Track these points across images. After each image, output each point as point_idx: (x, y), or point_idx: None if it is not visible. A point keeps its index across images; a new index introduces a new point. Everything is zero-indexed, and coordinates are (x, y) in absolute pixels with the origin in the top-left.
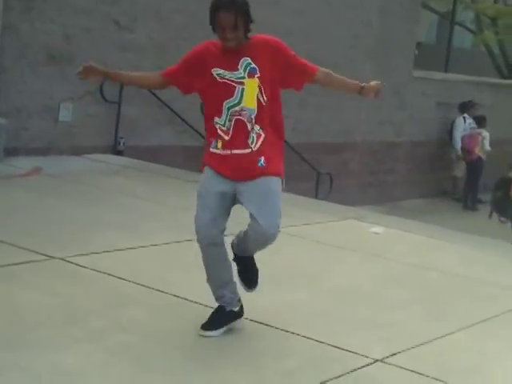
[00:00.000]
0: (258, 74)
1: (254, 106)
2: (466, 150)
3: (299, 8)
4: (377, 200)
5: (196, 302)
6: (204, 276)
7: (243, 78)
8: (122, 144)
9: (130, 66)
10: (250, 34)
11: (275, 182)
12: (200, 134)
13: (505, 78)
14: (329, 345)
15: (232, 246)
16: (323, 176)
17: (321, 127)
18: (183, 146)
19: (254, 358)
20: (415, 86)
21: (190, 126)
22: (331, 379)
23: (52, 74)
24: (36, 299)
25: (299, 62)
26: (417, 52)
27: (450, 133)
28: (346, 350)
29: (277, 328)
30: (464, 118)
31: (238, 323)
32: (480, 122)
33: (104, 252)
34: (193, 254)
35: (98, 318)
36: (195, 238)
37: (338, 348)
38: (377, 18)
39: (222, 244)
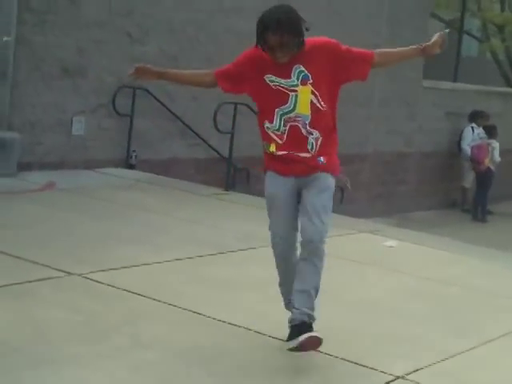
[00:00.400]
0: (311, 81)
1: (307, 112)
2: (476, 161)
3: (310, 20)
4: (386, 212)
5: (214, 318)
6: (220, 293)
7: (297, 85)
8: (134, 157)
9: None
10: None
11: (333, 182)
12: (211, 147)
13: (511, 86)
14: (349, 361)
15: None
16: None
17: None
18: (195, 159)
19: (276, 375)
20: (425, 96)
21: (202, 139)
22: None
23: (65, 87)
24: (57, 316)
25: (355, 53)
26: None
27: (459, 143)
28: (367, 367)
29: None
30: (472, 127)
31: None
32: (490, 132)
33: (122, 268)
34: (212, 268)
35: (120, 334)
36: (210, 252)
37: (359, 364)
38: (386, 28)
39: (294, 248)
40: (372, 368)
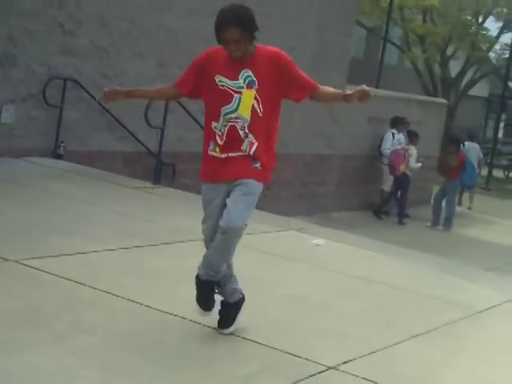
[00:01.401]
0: (257, 87)
1: (248, 115)
2: (392, 166)
3: None
4: (307, 211)
5: (150, 307)
6: (157, 282)
7: (242, 87)
8: (62, 148)
9: (71, 70)
10: (255, 44)
11: (260, 187)
12: (139, 141)
13: (430, 94)
14: (284, 351)
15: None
16: None
17: None
18: (122, 152)
19: (214, 363)
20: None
21: (130, 132)
22: None
23: None
24: None
25: (302, 79)
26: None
27: (380, 147)
28: (301, 357)
29: (232, 334)
30: (393, 133)
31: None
32: (411, 137)
33: (58, 256)
34: (143, 260)
35: (60, 321)
36: (142, 244)
37: (293, 355)
38: (313, 32)
39: None
40: (305, 358)
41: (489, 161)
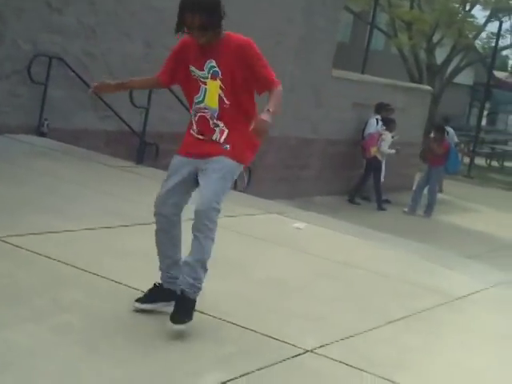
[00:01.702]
0: (221, 77)
1: (215, 105)
2: (363, 148)
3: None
4: (289, 195)
5: (130, 287)
6: (137, 262)
7: (207, 78)
8: (45, 126)
9: (58, 48)
10: (223, 31)
11: (233, 166)
12: (122, 120)
13: (415, 81)
14: (262, 334)
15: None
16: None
17: None
18: (105, 131)
19: (191, 343)
20: (333, 85)
21: (114, 111)
22: (266, 367)
23: None
24: None
25: (264, 72)
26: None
27: (363, 132)
28: (279, 340)
29: (211, 315)
30: (377, 119)
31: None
32: (387, 124)
33: (39, 234)
34: (125, 239)
35: (40, 298)
36: (125, 223)
37: (271, 337)
38: (300, 16)
39: (175, 221)
40: (283, 341)
41: (471, 148)
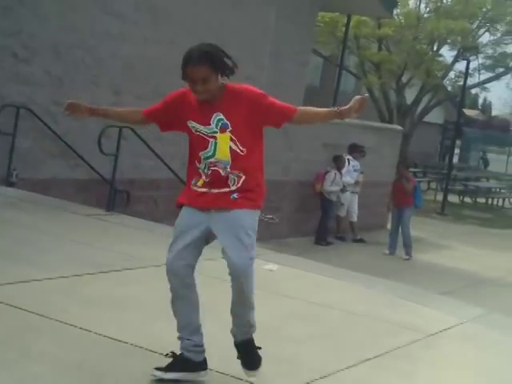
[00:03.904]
0: (230, 129)
1: (227, 157)
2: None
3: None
4: (262, 237)
5: (101, 335)
6: (106, 311)
7: (216, 132)
8: (14, 176)
9: (26, 98)
10: (224, 83)
11: (249, 215)
12: (93, 168)
13: (385, 121)
14: (235, 377)
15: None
16: None
17: None
18: (75, 179)
19: None
20: (303, 127)
21: (84, 160)
22: None
23: None
24: None
25: (278, 107)
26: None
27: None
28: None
29: None
30: (348, 159)
31: (200, 375)
32: (335, 161)
33: (6, 284)
34: (94, 287)
35: (8, 347)
36: (93, 271)
37: (244, 380)
38: (269, 61)
39: (189, 284)
40: None
41: (444, 186)
